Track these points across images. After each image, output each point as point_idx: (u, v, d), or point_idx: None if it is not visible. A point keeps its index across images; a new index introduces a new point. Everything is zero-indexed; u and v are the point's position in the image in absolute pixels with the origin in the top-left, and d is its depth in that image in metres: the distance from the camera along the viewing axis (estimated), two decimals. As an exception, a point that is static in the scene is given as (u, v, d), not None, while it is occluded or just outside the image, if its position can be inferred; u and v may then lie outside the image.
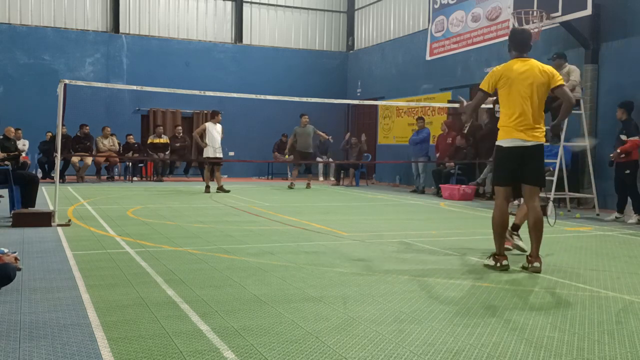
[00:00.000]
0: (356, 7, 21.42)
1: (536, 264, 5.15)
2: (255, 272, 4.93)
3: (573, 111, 9.20)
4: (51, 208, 7.84)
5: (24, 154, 14.74)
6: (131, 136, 17.45)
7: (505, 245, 5.57)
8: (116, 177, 17.38)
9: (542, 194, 5.56)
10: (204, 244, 6.27)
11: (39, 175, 15.44)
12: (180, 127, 18.31)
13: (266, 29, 20.80)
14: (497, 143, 5.41)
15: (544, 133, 5.30)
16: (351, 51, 21.54)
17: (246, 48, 20.36)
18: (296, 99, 11.15)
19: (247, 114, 19.22)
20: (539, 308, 3.99)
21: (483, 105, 9.11)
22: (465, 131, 13.55)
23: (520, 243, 6.04)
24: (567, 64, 10.19)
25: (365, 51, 20.68)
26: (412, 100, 16.15)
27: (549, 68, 5.32)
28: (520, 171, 5.27)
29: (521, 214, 6.06)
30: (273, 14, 20.90)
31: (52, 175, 14.97)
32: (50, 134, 15.97)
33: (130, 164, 17.14)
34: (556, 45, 12.01)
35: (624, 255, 6.20)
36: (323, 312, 3.74)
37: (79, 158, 16.03)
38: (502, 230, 5.35)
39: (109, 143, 16.81)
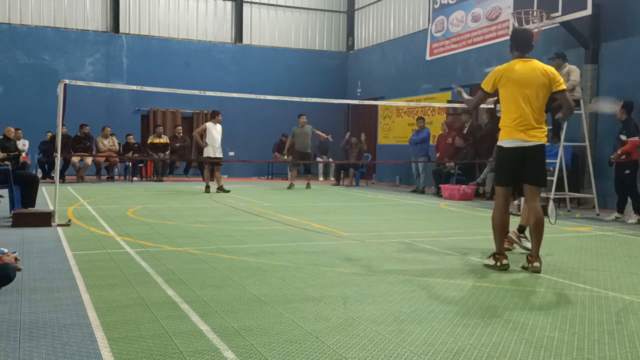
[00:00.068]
0: (356, 7, 21.42)
1: (536, 264, 5.15)
2: (255, 272, 4.93)
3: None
4: (51, 208, 7.84)
5: (24, 154, 14.74)
6: (131, 136, 17.45)
7: (505, 246, 5.59)
8: (116, 177, 17.38)
9: (542, 194, 5.57)
10: (204, 244, 6.27)
11: (39, 175, 15.44)
12: (180, 127, 18.31)
13: (266, 29, 20.80)
14: (498, 143, 5.43)
15: (545, 133, 5.30)
16: (351, 51, 21.54)
17: (246, 48, 20.36)
18: (296, 99, 11.15)
19: (247, 114, 19.22)
20: (539, 308, 3.99)
21: (484, 105, 9.15)
22: (465, 131, 13.56)
23: (528, 245, 6.06)
24: (567, 64, 10.19)
25: (365, 51, 20.68)
26: (412, 100, 16.14)
27: (551, 69, 5.32)
28: (520, 171, 5.27)
29: (525, 215, 6.07)
30: (273, 14, 20.90)
31: (52, 175, 14.97)
32: (50, 134, 15.97)
33: (130, 164, 17.14)
34: (556, 45, 12.01)
35: (624, 255, 6.20)
36: (323, 312, 3.74)
37: (79, 158, 16.03)
38: (501, 230, 5.37)
39: (109, 143, 16.81)
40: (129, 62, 18.86)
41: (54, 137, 12.78)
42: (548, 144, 5.94)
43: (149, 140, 17.58)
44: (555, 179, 10.15)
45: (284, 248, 6.14)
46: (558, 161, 10.25)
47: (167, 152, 17.46)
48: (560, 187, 10.49)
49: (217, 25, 20.12)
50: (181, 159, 17.89)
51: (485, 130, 12.92)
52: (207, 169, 13.83)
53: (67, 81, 8.06)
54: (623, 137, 9.33)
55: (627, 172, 9.24)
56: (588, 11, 10.51)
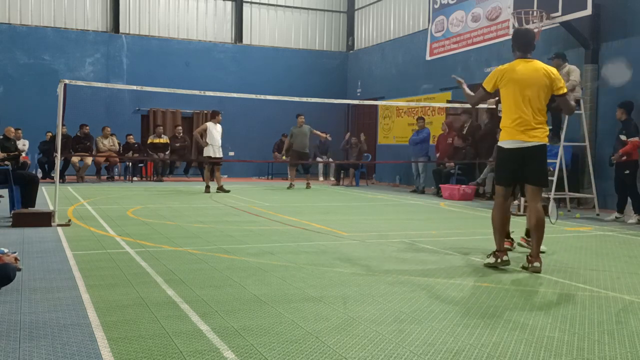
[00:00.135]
0: (356, 7, 21.42)
1: (536, 264, 5.16)
2: (255, 272, 4.93)
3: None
4: (51, 208, 7.84)
5: (24, 154, 14.75)
6: (131, 136, 17.45)
7: (506, 246, 5.60)
8: (116, 177, 17.38)
9: (543, 195, 5.58)
10: (204, 244, 6.27)
11: (39, 175, 15.44)
12: (180, 127, 18.31)
13: (266, 29, 20.80)
14: (498, 144, 5.45)
15: (547, 133, 5.30)
16: (351, 51, 21.54)
17: (246, 48, 20.36)
18: (296, 99, 11.14)
19: (247, 114, 19.22)
20: (539, 308, 3.99)
21: (484, 105, 9.15)
22: (465, 131, 13.56)
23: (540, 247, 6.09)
24: (567, 64, 10.19)
25: (365, 51, 20.68)
26: (412, 100, 16.14)
27: (553, 71, 5.31)
28: (521, 171, 5.28)
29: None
30: (273, 14, 20.90)
31: (52, 175, 14.97)
32: (50, 134, 15.97)
33: (130, 164, 17.14)
34: (556, 45, 12.01)
35: (624, 255, 6.20)
36: (323, 312, 3.74)
37: (79, 158, 16.03)
38: (501, 228, 5.41)
39: (109, 143, 16.81)
40: (129, 62, 18.86)
41: (54, 137, 12.78)
42: (549, 144, 5.93)
43: (149, 140, 17.58)
44: (555, 179, 10.15)
45: (284, 248, 6.14)
46: (558, 161, 10.25)
47: (167, 152, 17.46)
48: (560, 187, 10.49)
49: (217, 25, 20.12)
50: (181, 159, 17.89)
51: (485, 130, 12.91)
52: (207, 169, 13.83)
53: (67, 81, 8.06)
54: (623, 137, 9.33)
55: (627, 172, 9.24)
56: (588, 11, 10.51)
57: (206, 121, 14.60)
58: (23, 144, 15.65)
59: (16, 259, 4.61)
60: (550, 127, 9.26)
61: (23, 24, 17.84)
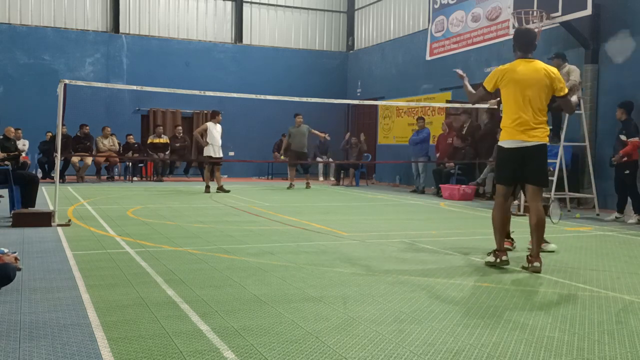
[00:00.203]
0: (356, 7, 21.42)
1: (536, 264, 5.16)
2: (255, 272, 4.93)
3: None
4: (51, 208, 7.84)
5: (24, 154, 14.74)
6: (131, 136, 17.45)
7: (506, 246, 5.60)
8: (116, 177, 17.39)
9: (546, 195, 5.59)
10: (204, 244, 6.27)
11: (39, 175, 15.44)
12: (180, 127, 18.31)
13: (266, 29, 20.80)
14: (498, 144, 5.46)
15: (547, 133, 5.30)
16: (351, 51, 21.54)
17: (246, 48, 20.36)
18: (296, 99, 11.14)
19: (247, 114, 19.22)
20: (539, 308, 3.99)
21: (484, 105, 9.14)
22: (464, 131, 13.56)
23: (550, 247, 6.10)
24: (567, 63, 10.19)
25: (365, 51, 20.68)
26: (412, 100, 16.14)
27: (554, 71, 5.31)
28: (520, 171, 5.28)
29: None
30: (273, 14, 20.90)
31: (52, 175, 14.97)
32: (50, 134, 15.97)
33: (130, 164, 17.14)
34: (556, 45, 12.01)
35: (624, 255, 6.20)
36: (323, 312, 3.74)
37: (79, 158, 16.04)
38: (501, 227, 5.43)
39: (109, 143, 16.81)
40: (129, 62, 18.86)
41: (54, 137, 12.78)
42: (549, 143, 5.92)
43: (149, 140, 17.58)
44: (555, 179, 10.15)
45: (284, 248, 6.14)
46: (558, 161, 10.25)
47: (167, 152, 17.46)
48: (560, 187, 10.49)
49: (217, 25, 20.12)
50: (181, 159, 17.89)
51: (485, 130, 12.91)
52: (207, 169, 13.83)
53: (67, 81, 8.06)
54: (623, 138, 9.33)
55: (627, 172, 9.24)
56: (588, 11, 10.51)
57: (206, 121, 14.61)
58: (23, 144, 15.66)
59: (16, 258, 4.61)
60: (551, 127, 9.27)
61: (23, 24, 17.84)
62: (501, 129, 5.43)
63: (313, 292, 4.28)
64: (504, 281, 4.81)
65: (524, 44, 5.36)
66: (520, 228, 7.01)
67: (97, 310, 3.69)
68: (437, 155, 14.33)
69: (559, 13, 10.94)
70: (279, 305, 3.88)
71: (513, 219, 6.13)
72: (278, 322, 3.51)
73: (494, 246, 5.45)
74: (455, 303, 4.06)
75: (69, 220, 7.70)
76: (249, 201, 11.42)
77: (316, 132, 15.58)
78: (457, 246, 6.48)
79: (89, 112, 16.60)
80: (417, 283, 4.64)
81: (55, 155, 8.17)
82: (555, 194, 10.14)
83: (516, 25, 11.22)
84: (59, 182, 8.83)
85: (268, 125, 19.42)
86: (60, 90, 7.90)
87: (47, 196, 11.01)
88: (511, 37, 5.71)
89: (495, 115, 12.00)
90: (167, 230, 7.29)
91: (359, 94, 20.40)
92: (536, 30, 10.88)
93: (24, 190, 8.14)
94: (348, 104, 19.82)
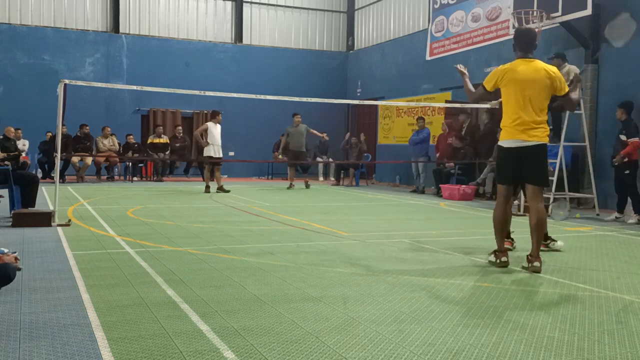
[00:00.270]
0: (356, 7, 21.42)
1: (536, 264, 5.16)
2: (255, 272, 4.93)
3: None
4: (51, 208, 7.84)
5: (24, 154, 14.74)
6: (131, 136, 17.45)
7: (506, 246, 5.60)
8: (116, 177, 17.38)
9: (548, 195, 5.60)
10: (204, 244, 6.27)
11: (39, 175, 15.44)
12: (180, 127, 18.31)
13: (266, 29, 20.80)
14: (498, 143, 5.46)
15: (547, 133, 5.30)
16: (351, 51, 21.54)
17: (246, 48, 20.36)
18: (296, 99, 11.13)
19: (247, 114, 19.22)
20: (539, 308, 3.99)
21: (484, 105, 9.14)
22: (464, 132, 13.56)
23: (557, 246, 6.10)
24: (566, 63, 10.19)
25: (365, 51, 20.68)
26: (412, 100, 16.15)
27: (554, 70, 5.31)
28: (520, 171, 5.28)
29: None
30: (273, 14, 20.90)
31: (52, 175, 14.97)
32: (50, 134, 15.97)
33: (130, 164, 17.14)
34: (556, 45, 12.01)
35: (624, 255, 6.20)
36: (323, 312, 3.74)
37: (79, 158, 16.03)
38: (502, 228, 5.43)
39: (109, 143, 16.81)
40: (129, 62, 18.86)
41: (54, 137, 12.78)
42: (549, 143, 5.93)
43: (149, 140, 17.58)
44: (555, 179, 10.15)
45: (284, 248, 6.14)
46: (558, 161, 10.25)
47: (167, 152, 17.47)
48: (560, 187, 10.50)
49: (217, 25, 20.12)
50: (181, 159, 17.89)
51: (485, 130, 12.91)
52: (207, 169, 13.83)
53: (67, 81, 8.05)
54: (623, 138, 9.33)
55: (627, 172, 9.24)
56: (588, 11, 10.51)
57: (206, 121, 14.61)
58: (23, 144, 15.66)
59: (16, 258, 4.61)
60: (551, 127, 9.26)
61: (23, 24, 17.84)
62: (501, 129, 5.43)
63: (313, 292, 4.28)
64: (504, 281, 4.81)
65: (525, 44, 5.36)
66: (520, 228, 7.01)
67: (97, 310, 3.69)
68: (437, 155, 14.33)
69: (559, 13, 10.94)
70: (279, 305, 3.88)
71: (513, 219, 6.13)
72: (278, 322, 3.51)
73: (495, 246, 5.46)
74: (455, 303, 4.06)
75: (69, 220, 7.70)
76: (249, 201, 11.42)
77: (315, 131, 15.57)
78: (457, 246, 6.48)
79: (89, 112, 16.60)
80: (417, 283, 4.64)
81: (55, 155, 8.17)
82: (555, 194, 10.14)
83: (516, 25, 11.22)
84: (59, 182, 8.83)
85: (268, 125, 19.41)
86: (60, 90, 7.90)
87: (47, 196, 11.01)
88: (511, 37, 5.72)
89: (495, 115, 11.99)
90: (167, 230, 7.29)
91: (359, 94, 20.40)
92: (536, 30, 10.90)
93: (24, 190, 8.14)
94: (348, 104, 19.82)
